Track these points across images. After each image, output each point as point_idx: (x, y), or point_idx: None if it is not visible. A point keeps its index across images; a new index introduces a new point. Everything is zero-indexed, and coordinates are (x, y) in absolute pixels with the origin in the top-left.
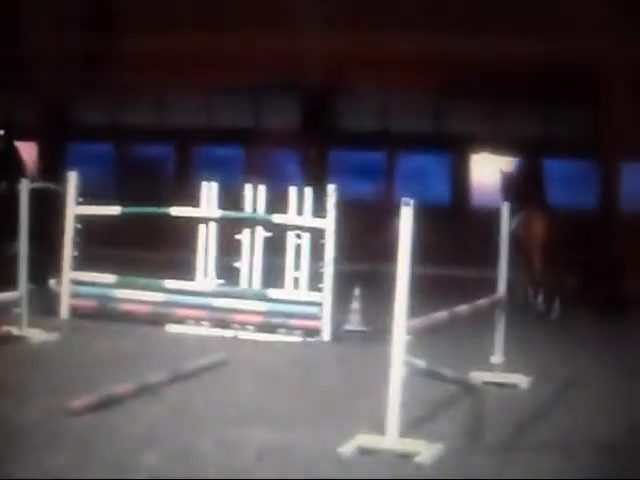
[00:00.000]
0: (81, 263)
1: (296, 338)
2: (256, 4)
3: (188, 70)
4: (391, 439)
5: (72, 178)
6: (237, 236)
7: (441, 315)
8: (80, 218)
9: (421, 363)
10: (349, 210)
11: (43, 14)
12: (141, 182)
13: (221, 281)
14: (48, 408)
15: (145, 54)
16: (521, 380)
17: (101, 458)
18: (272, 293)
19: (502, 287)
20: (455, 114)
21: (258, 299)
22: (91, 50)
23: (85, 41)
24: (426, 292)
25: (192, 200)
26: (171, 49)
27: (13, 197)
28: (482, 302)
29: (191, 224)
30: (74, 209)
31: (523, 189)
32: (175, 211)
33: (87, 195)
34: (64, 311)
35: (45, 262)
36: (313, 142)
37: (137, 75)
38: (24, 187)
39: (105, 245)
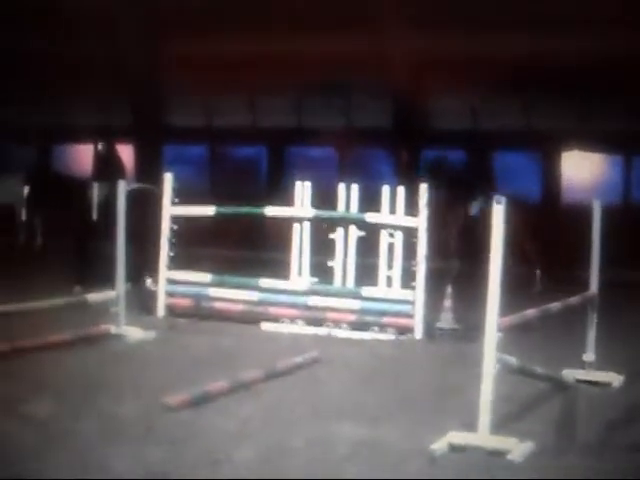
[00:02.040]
0: (177, 262)
1: (388, 336)
2: (347, 3)
3: (279, 72)
4: (483, 436)
5: (168, 179)
6: (331, 235)
7: (532, 312)
8: (176, 218)
9: (513, 360)
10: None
11: (138, 18)
12: (235, 182)
13: (315, 280)
14: (145, 404)
15: (237, 56)
16: (614, 378)
17: (196, 453)
18: (365, 291)
19: (594, 284)
20: (546, 112)
21: (351, 297)
22: (186, 53)
23: (179, 43)
24: (516, 290)
25: (286, 200)
26: (263, 51)
27: (113, 199)
28: (573, 300)
29: (285, 223)
30: (170, 210)
31: None
32: (269, 211)
33: (183, 196)
34: (160, 310)
35: (142, 262)
36: (404, 142)
37: (230, 77)
38: (122, 189)
39: (200, 245)
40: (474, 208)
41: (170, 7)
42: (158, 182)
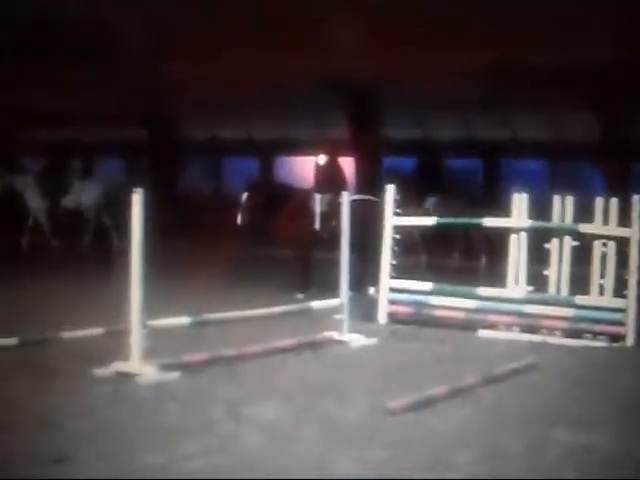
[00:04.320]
0: (398, 271)
1: (601, 343)
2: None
3: (493, 86)
4: None
5: (390, 191)
6: (546, 245)
7: None
8: (397, 228)
9: None
10: None
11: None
12: (452, 194)
13: (531, 288)
14: (367, 407)
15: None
16: None
17: (417, 455)
18: (579, 299)
19: None
20: None
21: (565, 305)
22: (396, 66)
23: (390, 57)
24: None
25: (501, 211)
26: (473, 64)
27: (335, 209)
28: None
29: (501, 234)
30: (392, 220)
31: None
32: (487, 222)
33: (404, 206)
34: (382, 317)
35: (364, 270)
36: (613, 155)
37: (443, 92)
38: (345, 200)
39: (421, 254)
40: None
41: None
42: (378, 193)
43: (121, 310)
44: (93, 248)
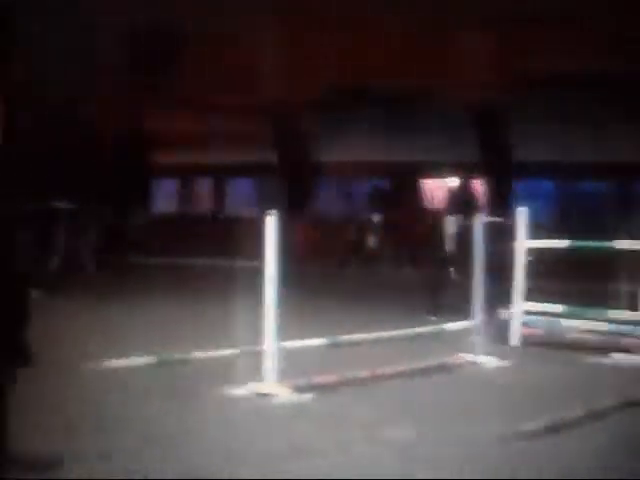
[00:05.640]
0: (531, 294)
1: None
2: None
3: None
4: None
5: (522, 213)
6: None
7: None
8: (530, 251)
9: None
10: None
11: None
12: (583, 216)
13: None
14: (501, 430)
15: None
16: None
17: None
18: None
19: None
20: None
21: None
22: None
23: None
24: None
25: (634, 233)
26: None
27: (467, 232)
28: None
29: (635, 256)
30: (524, 243)
31: None
32: (618, 244)
33: (534, 229)
34: (515, 339)
35: (495, 293)
36: None
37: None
38: (478, 222)
39: (553, 277)
40: None
41: None
42: (511, 216)
43: (253, 330)
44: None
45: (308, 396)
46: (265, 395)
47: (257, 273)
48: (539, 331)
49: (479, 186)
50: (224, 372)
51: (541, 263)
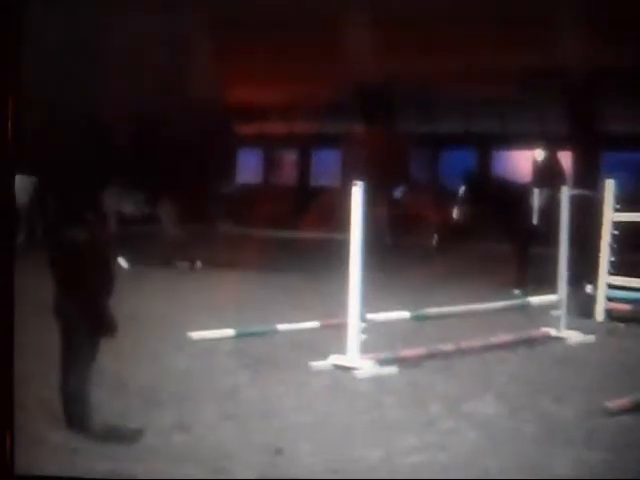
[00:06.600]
0: (617, 268)
1: None
2: None
3: None
4: None
5: (609, 186)
6: None
7: None
8: (617, 224)
9: None
10: None
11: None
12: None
13: None
14: (585, 406)
15: None
16: None
17: (635, 460)
18: None
19: None
20: None
21: None
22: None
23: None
24: None
25: None
26: None
27: (554, 204)
28: None
29: None
30: (611, 215)
31: None
32: None
33: (623, 202)
34: (600, 314)
35: (582, 266)
36: None
37: None
38: (564, 195)
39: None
40: None
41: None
42: (597, 188)
43: (336, 303)
44: None
45: (392, 369)
46: (348, 368)
47: (344, 245)
48: (624, 306)
49: (566, 158)
50: (306, 344)
51: (628, 236)
